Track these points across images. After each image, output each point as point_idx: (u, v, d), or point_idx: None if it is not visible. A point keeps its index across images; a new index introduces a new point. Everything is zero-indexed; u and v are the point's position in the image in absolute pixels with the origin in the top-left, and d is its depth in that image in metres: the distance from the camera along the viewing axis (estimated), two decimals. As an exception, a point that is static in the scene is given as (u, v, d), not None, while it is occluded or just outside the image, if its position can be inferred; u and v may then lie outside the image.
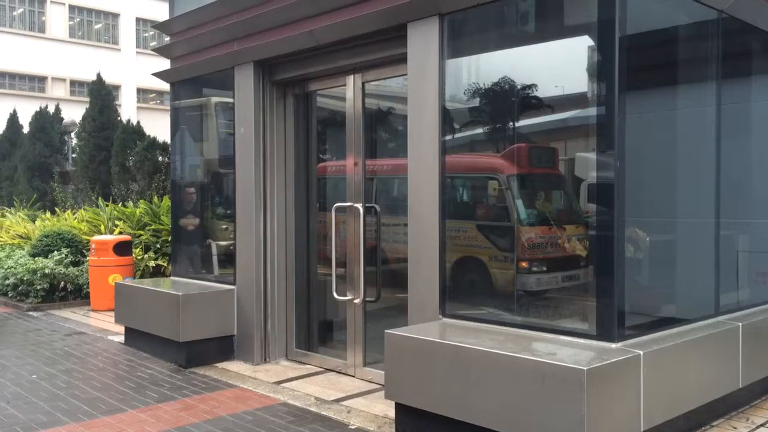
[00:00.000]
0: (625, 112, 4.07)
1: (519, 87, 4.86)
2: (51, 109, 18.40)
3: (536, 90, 4.83)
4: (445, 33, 4.88)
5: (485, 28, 5.03)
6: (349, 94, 6.07)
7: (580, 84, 4.78)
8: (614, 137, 4.02)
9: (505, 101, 4.98)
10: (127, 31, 36.50)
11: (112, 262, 9.60)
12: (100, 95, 15.70)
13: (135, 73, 34.95)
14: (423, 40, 4.97)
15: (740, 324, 4.85)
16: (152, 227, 10.66)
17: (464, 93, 5.14)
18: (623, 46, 4.02)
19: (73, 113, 19.54)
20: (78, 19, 35.49)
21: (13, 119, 19.38)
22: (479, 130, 5.39)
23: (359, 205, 5.89)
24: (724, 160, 5.15)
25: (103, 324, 8.71)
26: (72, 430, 4.75)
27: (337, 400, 5.37)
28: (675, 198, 5.26)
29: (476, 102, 5.14)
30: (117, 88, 32.14)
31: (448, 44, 4.89)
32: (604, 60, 4.13)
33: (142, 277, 9.97)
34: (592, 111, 4.28)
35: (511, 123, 5.11)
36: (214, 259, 7.51)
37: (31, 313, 9.63)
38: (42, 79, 33.69)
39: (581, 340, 4.10)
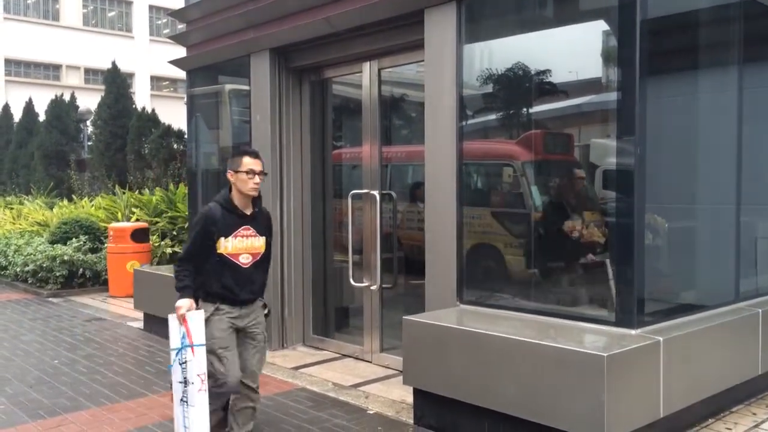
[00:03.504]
0: (646, 98, 4.04)
1: (536, 73, 4.82)
2: (66, 97, 18.51)
3: (553, 76, 4.79)
4: (463, 18, 4.85)
5: (502, 12, 5.00)
6: (365, 80, 6.06)
7: (599, 69, 4.73)
8: (634, 123, 3.99)
9: (523, 87, 4.95)
10: (140, 18, 36.57)
11: (129, 249, 9.70)
12: (115, 83, 15.75)
13: (148, 60, 35.03)
14: (440, 26, 4.94)
15: (760, 311, 4.83)
16: (168, 214, 10.73)
17: (481, 79, 5.11)
18: (644, 30, 3.98)
19: (88, 101, 19.64)
20: (91, 7, 35.60)
21: (29, 107, 19.51)
22: (496, 116, 5.36)
23: (375, 192, 5.90)
24: (746, 145, 5.10)
25: (122, 310, 8.81)
26: (95, 414, 4.83)
27: (355, 386, 5.42)
28: (694, 184, 5.21)
29: (494, 88, 5.11)
30: (131, 76, 32.19)
31: (465, 30, 4.86)
32: (624, 44, 4.09)
33: (159, 263, 10.06)
34: (612, 96, 4.24)
35: (528, 109, 5.08)
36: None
37: (50, 299, 9.76)
38: (57, 68, 33.88)
39: (600, 327, 4.10)
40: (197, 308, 3.84)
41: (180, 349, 3.77)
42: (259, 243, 3.96)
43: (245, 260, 3.90)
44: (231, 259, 3.86)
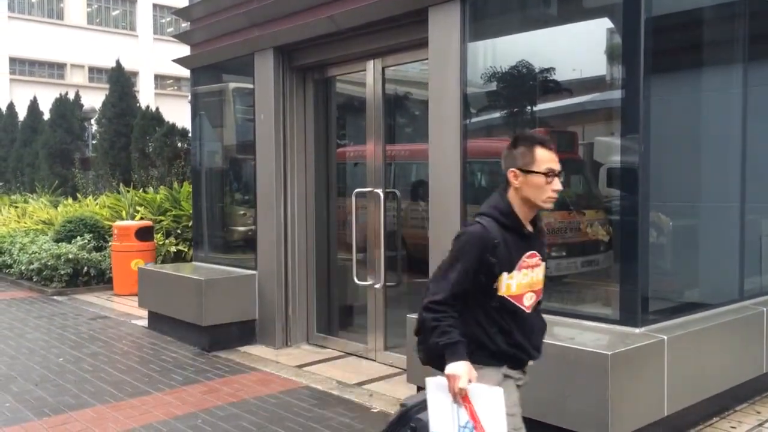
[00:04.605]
0: (650, 95, 4.03)
1: (540, 70, 4.82)
2: (71, 95, 18.56)
3: (558, 73, 4.79)
4: (467, 16, 4.84)
5: (506, 10, 5.00)
6: (369, 79, 6.06)
7: (603, 67, 4.73)
8: (639, 121, 3.98)
9: (527, 85, 4.95)
10: (144, 17, 36.63)
11: (134, 247, 9.71)
12: (120, 82, 15.79)
13: (152, 59, 35.10)
14: (444, 24, 4.94)
15: (765, 309, 4.81)
16: (173, 213, 10.75)
17: (485, 77, 5.11)
18: (649, 28, 3.97)
19: (92, 100, 19.70)
20: (96, 6, 35.67)
21: (34, 106, 19.56)
22: (500, 114, 5.36)
23: (380, 191, 5.90)
24: (751, 143, 5.08)
25: (126, 308, 8.83)
26: (99, 411, 4.84)
27: (359, 384, 5.42)
28: (699, 182, 5.20)
29: (498, 86, 5.11)
30: (135, 74, 32.30)
31: (469, 28, 4.85)
32: (628, 42, 4.07)
33: (163, 262, 10.07)
34: (616, 94, 4.23)
35: (532, 107, 5.07)
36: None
37: (55, 297, 9.78)
38: (61, 66, 33.96)
39: (604, 325, 4.10)
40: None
41: None
42: (542, 274, 2.67)
43: (529, 302, 2.59)
44: (514, 303, 2.54)
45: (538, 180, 2.50)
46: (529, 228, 2.60)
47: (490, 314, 2.53)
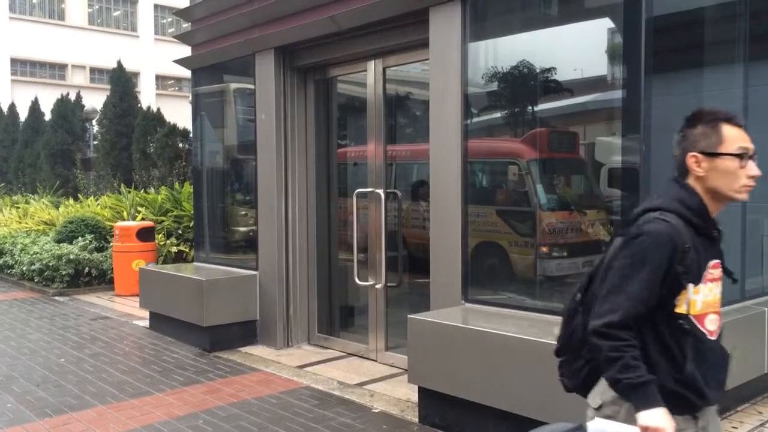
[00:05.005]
0: (651, 95, 4.03)
1: (541, 70, 4.82)
2: (72, 96, 18.57)
3: (558, 73, 4.78)
4: (467, 17, 4.85)
5: (507, 11, 5.00)
6: (369, 79, 6.06)
7: (604, 67, 4.73)
8: (640, 121, 3.98)
9: (528, 85, 4.95)
10: (145, 17, 36.67)
11: (135, 247, 9.72)
12: (121, 82, 15.79)
13: (154, 59, 35.13)
14: (445, 24, 4.94)
15: (766, 309, 4.81)
16: (174, 213, 10.76)
17: (486, 77, 5.11)
18: (649, 28, 3.97)
19: (93, 100, 19.71)
20: (97, 7, 35.70)
21: (35, 107, 19.57)
22: (501, 114, 5.36)
23: (380, 191, 5.90)
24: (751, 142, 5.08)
25: (127, 309, 8.83)
26: (101, 412, 4.85)
27: (360, 384, 5.42)
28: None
29: (498, 86, 5.11)
30: (136, 75, 32.31)
31: (470, 28, 4.85)
32: (629, 42, 4.08)
33: (164, 262, 10.08)
34: (617, 94, 4.24)
35: (533, 107, 5.07)
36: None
37: (56, 298, 9.79)
38: (62, 67, 33.99)
39: (605, 325, 4.09)
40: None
41: None
42: (720, 289, 2.11)
43: (713, 326, 2.07)
44: (697, 325, 2.02)
45: (730, 164, 2.00)
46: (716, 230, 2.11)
47: (663, 339, 1.98)
